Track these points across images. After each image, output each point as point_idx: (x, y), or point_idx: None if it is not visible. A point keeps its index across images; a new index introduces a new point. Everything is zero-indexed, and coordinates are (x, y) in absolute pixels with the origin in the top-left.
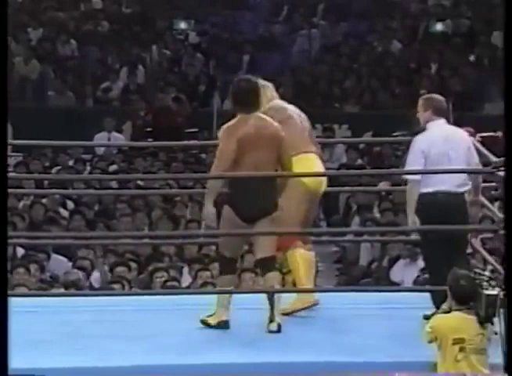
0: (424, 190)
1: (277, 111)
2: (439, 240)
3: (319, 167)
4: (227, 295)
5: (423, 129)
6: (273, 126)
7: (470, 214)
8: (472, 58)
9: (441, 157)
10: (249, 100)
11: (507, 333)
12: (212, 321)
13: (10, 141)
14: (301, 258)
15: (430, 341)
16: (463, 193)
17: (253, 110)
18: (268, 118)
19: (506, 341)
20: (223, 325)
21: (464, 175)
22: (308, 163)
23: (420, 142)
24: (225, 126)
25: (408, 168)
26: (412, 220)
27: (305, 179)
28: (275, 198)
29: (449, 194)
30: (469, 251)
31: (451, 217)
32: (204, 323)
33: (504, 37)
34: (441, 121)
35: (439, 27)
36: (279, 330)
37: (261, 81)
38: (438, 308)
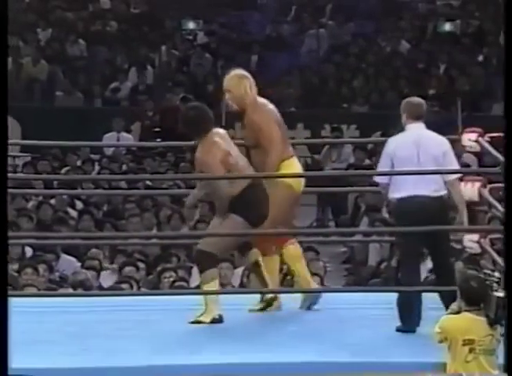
0: (397, 195)
1: (265, 111)
2: (417, 243)
3: (300, 168)
4: (214, 289)
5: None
6: (224, 132)
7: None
8: (480, 58)
9: (409, 160)
10: (202, 125)
11: (507, 333)
12: (205, 319)
13: (19, 141)
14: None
15: (440, 342)
16: (439, 197)
17: (208, 131)
18: (220, 130)
19: (505, 341)
20: (217, 321)
21: (441, 181)
22: (295, 167)
23: (389, 144)
24: (203, 153)
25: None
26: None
27: (292, 183)
28: (268, 199)
29: (425, 198)
30: (478, 251)
31: (428, 221)
32: (197, 323)
33: (505, 36)
34: (417, 125)
35: (447, 27)
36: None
37: (240, 72)
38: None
